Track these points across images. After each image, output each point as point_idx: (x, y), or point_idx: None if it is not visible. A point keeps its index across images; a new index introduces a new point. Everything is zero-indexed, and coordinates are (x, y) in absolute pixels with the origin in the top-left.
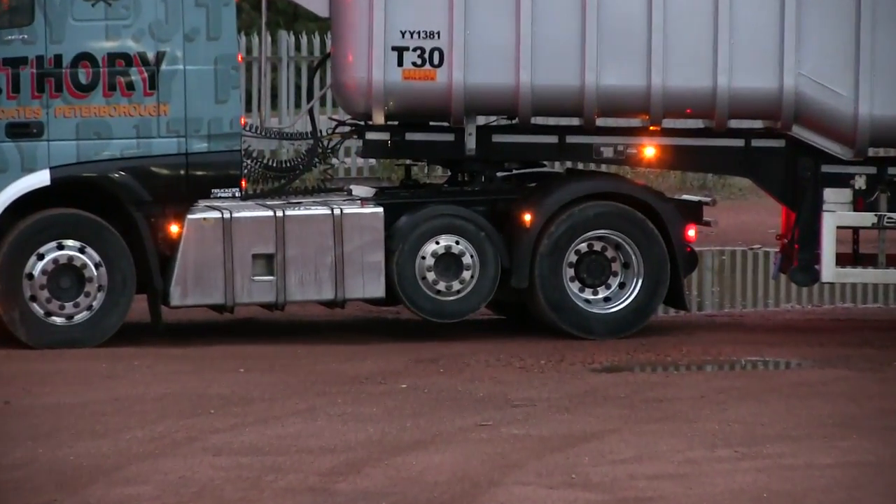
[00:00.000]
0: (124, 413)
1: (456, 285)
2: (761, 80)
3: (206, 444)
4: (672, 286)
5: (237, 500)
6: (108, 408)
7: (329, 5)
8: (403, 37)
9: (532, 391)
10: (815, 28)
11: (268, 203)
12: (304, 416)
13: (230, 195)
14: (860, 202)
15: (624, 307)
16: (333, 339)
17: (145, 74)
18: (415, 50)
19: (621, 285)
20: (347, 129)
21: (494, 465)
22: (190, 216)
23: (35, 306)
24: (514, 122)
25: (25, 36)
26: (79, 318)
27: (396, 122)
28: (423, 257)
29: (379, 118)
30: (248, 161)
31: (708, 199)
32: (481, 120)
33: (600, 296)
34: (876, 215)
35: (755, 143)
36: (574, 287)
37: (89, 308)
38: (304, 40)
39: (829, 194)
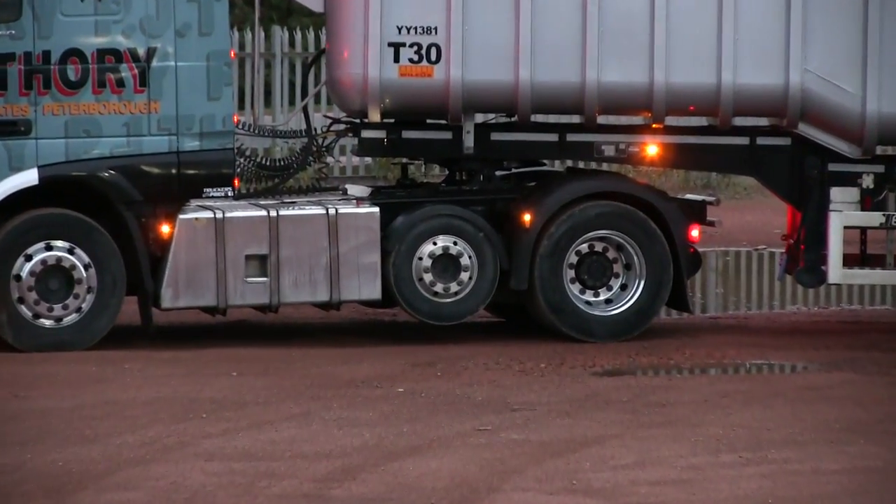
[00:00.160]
0: (114, 417)
1: (454, 287)
2: (767, 76)
3: (198, 449)
4: (675, 288)
5: None
6: (98, 412)
7: (324, 0)
8: (400, 32)
9: (532, 395)
10: (821, 23)
11: (261, 203)
12: (299, 421)
13: (223, 194)
14: (868, 201)
15: (626, 309)
16: (328, 342)
17: (136, 71)
18: (411, 46)
19: (623, 287)
20: (342, 126)
21: (493, 471)
22: (181, 216)
23: (23, 308)
24: (513, 119)
25: (13, 31)
26: (68, 320)
27: (393, 120)
28: (420, 258)
29: (375, 116)
30: (241, 160)
31: (712, 199)
32: (479, 118)
33: (601, 297)
34: (884, 215)
35: (760, 141)
36: (574, 289)
37: (78, 310)
38: (298, 36)
39: (836, 193)
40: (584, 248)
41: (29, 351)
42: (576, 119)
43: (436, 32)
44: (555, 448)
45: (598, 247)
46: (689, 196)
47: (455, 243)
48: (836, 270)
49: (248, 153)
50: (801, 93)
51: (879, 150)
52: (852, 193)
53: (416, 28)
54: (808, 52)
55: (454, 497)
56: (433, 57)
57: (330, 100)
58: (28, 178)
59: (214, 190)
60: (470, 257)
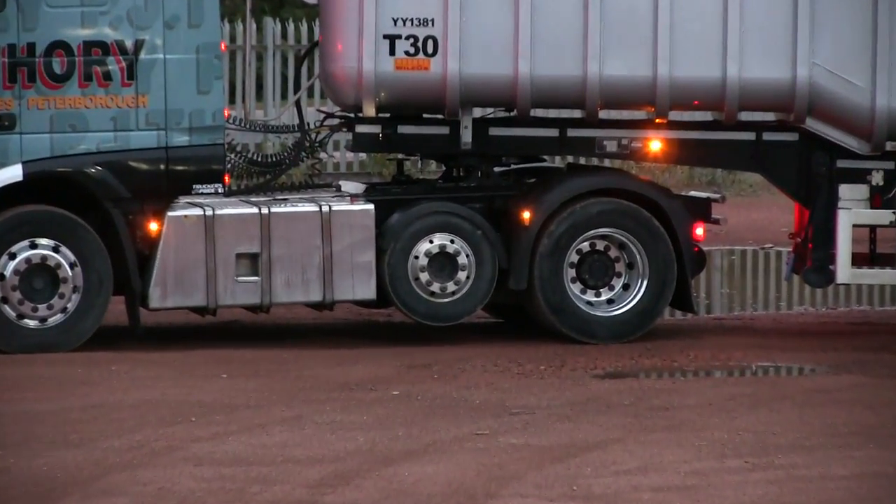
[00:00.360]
0: (101, 421)
1: (451, 286)
2: (773, 69)
3: (187, 453)
4: (679, 287)
5: None
6: (84, 415)
7: None
8: (396, 24)
9: (531, 398)
10: (830, 15)
11: (252, 200)
12: (291, 425)
13: (213, 191)
14: (877, 199)
15: (628, 310)
16: (321, 344)
17: (123, 64)
18: (407, 38)
19: (625, 286)
20: (336, 121)
21: (491, 477)
22: (170, 213)
23: (7, 309)
24: (512, 114)
25: None
26: (53, 320)
27: (388, 115)
28: (417, 257)
29: (370, 110)
30: (232, 155)
31: (717, 196)
32: (478, 112)
33: (603, 298)
34: (894, 213)
35: (767, 136)
36: (575, 288)
37: (64, 310)
38: (290, 28)
39: (845, 191)
40: (586, 246)
41: (13, 352)
42: (577, 114)
43: (432, 24)
44: (555, 453)
45: (600, 245)
46: (693, 193)
47: (452, 242)
48: (844, 270)
49: (238, 148)
50: (808, 87)
51: (889, 145)
52: (861, 190)
53: (412, 20)
54: (816, 44)
55: (451, 503)
56: (430, 50)
57: (323, 94)
58: (12, 173)
59: (204, 186)
60: (467, 256)
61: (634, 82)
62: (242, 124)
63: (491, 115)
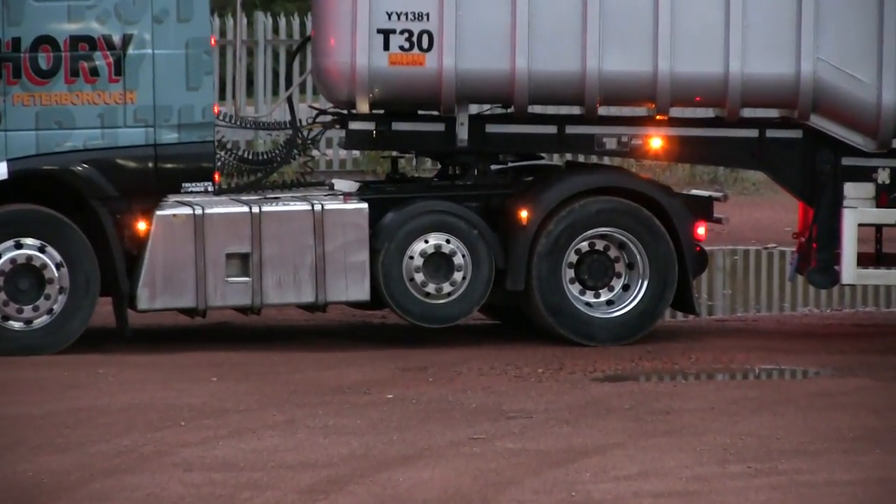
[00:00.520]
0: (88, 425)
1: (446, 287)
2: (777, 65)
3: (176, 458)
4: (680, 288)
5: None
6: (71, 420)
7: None
8: (390, 18)
9: (529, 402)
10: (835, 9)
11: (243, 198)
12: (283, 429)
13: (202, 189)
14: (883, 198)
15: (628, 311)
16: (314, 346)
17: (110, 59)
18: (402, 33)
19: (625, 287)
20: (329, 118)
21: (488, 482)
22: (159, 212)
23: None
24: (509, 110)
25: None
26: (38, 322)
27: (382, 111)
28: (411, 257)
29: (363, 106)
30: (222, 153)
31: (719, 195)
32: (474, 108)
33: (602, 299)
34: None
35: (770, 133)
36: (574, 289)
37: (50, 312)
38: (282, 22)
39: (850, 189)
40: (585, 246)
41: None
42: (576, 110)
43: (427, 18)
44: (553, 458)
45: (599, 245)
46: (694, 192)
47: (448, 241)
48: (849, 270)
49: (229, 146)
50: (813, 82)
51: None
52: (867, 189)
53: (406, 14)
54: (820, 39)
55: None
56: (425, 44)
57: (316, 90)
58: None
59: (194, 185)
60: (464, 256)
61: (634, 78)
62: (233, 121)
63: (488, 112)
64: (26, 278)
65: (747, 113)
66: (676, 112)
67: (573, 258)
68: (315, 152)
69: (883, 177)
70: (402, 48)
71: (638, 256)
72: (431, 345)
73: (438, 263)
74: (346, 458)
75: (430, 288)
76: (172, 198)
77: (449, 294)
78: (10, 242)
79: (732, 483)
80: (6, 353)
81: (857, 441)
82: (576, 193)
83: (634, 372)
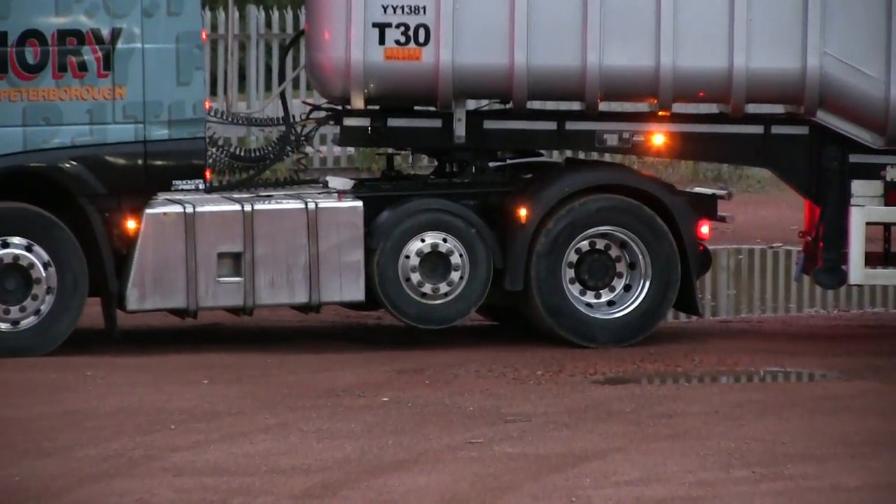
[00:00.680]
0: (75, 429)
1: (443, 287)
2: (782, 59)
3: (166, 463)
4: (683, 289)
5: None
6: (58, 423)
7: None
8: (385, 12)
9: (528, 405)
10: (842, 2)
11: (235, 196)
12: (275, 433)
13: (193, 187)
14: (892, 195)
15: (630, 312)
16: (307, 348)
17: (99, 54)
18: (398, 27)
19: (627, 288)
20: (323, 114)
21: (486, 487)
22: (148, 210)
23: None
24: (508, 106)
25: None
26: (25, 323)
27: (377, 107)
28: (407, 256)
29: (358, 102)
30: (213, 150)
31: (723, 193)
32: (471, 104)
33: (603, 299)
34: None
35: (775, 129)
36: (574, 290)
37: (37, 312)
38: (275, 16)
39: (858, 187)
40: (585, 245)
41: None
42: (576, 106)
43: (424, 12)
44: (552, 462)
45: (600, 244)
46: (698, 189)
47: (445, 240)
48: (857, 270)
49: (220, 143)
50: (819, 77)
51: None
52: (875, 187)
53: (402, 7)
54: (827, 33)
55: None
56: (421, 38)
57: (309, 85)
58: None
59: (184, 182)
60: (461, 256)
61: (636, 72)
62: (224, 117)
63: (486, 108)
64: (13, 278)
65: (752, 109)
66: (679, 108)
67: (573, 258)
68: (309, 149)
69: (892, 174)
70: (398, 42)
71: (640, 256)
72: (428, 346)
73: (435, 263)
74: (341, 462)
75: (427, 288)
76: (162, 196)
77: (446, 294)
78: None
79: (737, 489)
80: None
81: (865, 445)
82: (576, 191)
83: (636, 374)
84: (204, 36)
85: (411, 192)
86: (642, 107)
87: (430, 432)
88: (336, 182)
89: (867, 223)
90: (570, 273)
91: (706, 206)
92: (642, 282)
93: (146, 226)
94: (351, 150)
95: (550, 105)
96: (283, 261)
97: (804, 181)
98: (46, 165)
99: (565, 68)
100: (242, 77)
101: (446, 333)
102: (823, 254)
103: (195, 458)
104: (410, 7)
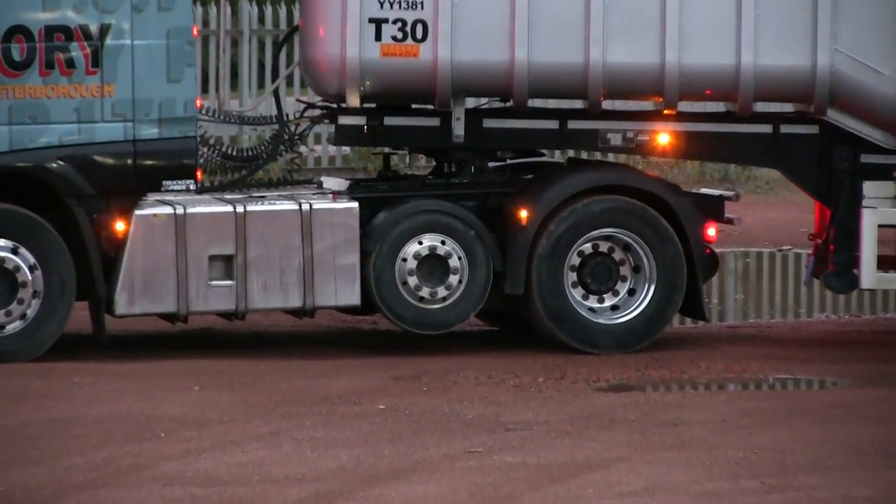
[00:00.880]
0: (62, 437)
1: (441, 291)
2: (792, 56)
3: (156, 472)
4: (689, 293)
5: None
6: (44, 431)
7: None
8: (382, 7)
9: (529, 413)
10: None
11: (227, 197)
12: (268, 441)
13: (184, 188)
14: None
15: (634, 317)
16: (301, 354)
17: (87, 50)
18: (395, 22)
19: (631, 292)
20: (318, 112)
21: (485, 498)
22: (138, 212)
23: None
24: (508, 104)
25: None
26: (11, 328)
27: (374, 105)
28: (405, 259)
29: (354, 100)
30: (205, 149)
31: (730, 194)
32: (471, 102)
33: (607, 304)
34: None
35: (784, 129)
36: (577, 293)
37: (23, 317)
38: (268, 11)
39: (870, 188)
40: (588, 248)
41: None
42: (578, 104)
43: (422, 7)
44: (554, 472)
45: (603, 247)
46: (704, 190)
47: (443, 243)
48: (869, 274)
49: (212, 142)
50: (830, 75)
51: None
52: (887, 188)
53: (400, 2)
54: (837, 29)
55: None
56: (419, 34)
57: (303, 82)
58: None
59: (175, 183)
60: (459, 258)
61: (641, 70)
62: (216, 115)
63: (485, 106)
64: None
65: (760, 107)
66: (685, 106)
67: (575, 260)
68: (303, 148)
69: None
70: (394, 38)
71: (644, 259)
72: (426, 352)
73: (433, 266)
74: (335, 472)
75: (425, 292)
76: (152, 196)
77: (444, 298)
78: None
79: (745, 500)
80: None
81: (877, 455)
82: (578, 192)
83: (640, 381)
84: (195, 32)
85: (408, 193)
86: (647, 105)
87: (428, 441)
88: (331, 182)
89: (879, 226)
90: (573, 276)
91: (713, 208)
92: (647, 286)
93: (135, 227)
94: (346, 149)
95: (552, 103)
96: (277, 264)
97: (814, 182)
98: (33, 165)
99: (568, 65)
100: (235, 74)
101: (444, 339)
102: (834, 257)
103: (185, 467)
104: (408, 2)
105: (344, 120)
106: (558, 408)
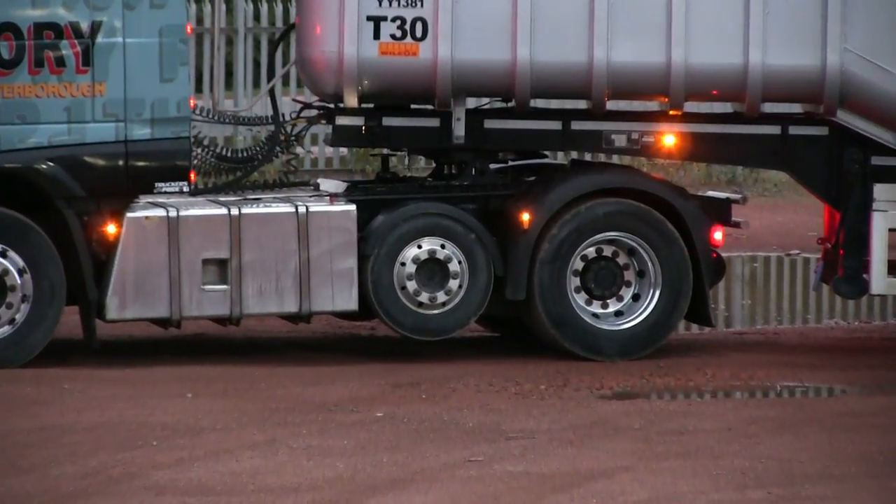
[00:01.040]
0: (52, 445)
1: (441, 296)
2: (801, 56)
3: (148, 481)
4: (695, 298)
5: None
6: (34, 438)
7: None
8: (380, 4)
9: (530, 421)
10: None
11: (221, 199)
12: (263, 450)
13: (177, 190)
14: None
15: (638, 323)
16: (297, 360)
17: (78, 48)
18: (394, 20)
19: (635, 297)
20: (314, 112)
21: None
22: (130, 214)
23: None
24: (510, 105)
25: None
26: None
27: (372, 105)
28: (403, 263)
29: (351, 100)
30: (199, 150)
31: (738, 196)
32: (471, 102)
33: (611, 309)
34: None
35: (793, 130)
36: (580, 299)
37: (11, 322)
38: (263, 9)
39: (880, 191)
40: (591, 252)
41: None
42: (582, 105)
43: (421, 5)
44: (557, 482)
45: (607, 251)
46: (711, 193)
47: (443, 246)
48: (879, 279)
49: (206, 142)
50: (840, 75)
51: None
52: None
53: (399, 0)
54: (848, 28)
55: None
56: (418, 33)
57: (300, 82)
58: None
59: (167, 184)
60: (460, 263)
61: (646, 69)
62: (210, 115)
63: (486, 106)
64: None
65: (768, 108)
66: (691, 107)
67: (579, 265)
68: (299, 150)
69: None
70: (393, 37)
71: (649, 263)
72: (425, 359)
73: (432, 270)
74: (332, 481)
75: (424, 297)
76: (144, 198)
77: (444, 304)
78: None
79: None
80: None
81: (887, 465)
82: (582, 195)
83: (645, 389)
84: (189, 30)
85: (407, 196)
86: (652, 106)
87: (427, 450)
88: (328, 184)
89: (890, 230)
90: (576, 281)
91: (720, 211)
92: (652, 291)
93: (127, 230)
94: (344, 150)
95: (555, 104)
96: (272, 268)
97: (823, 185)
98: (22, 166)
99: (571, 64)
100: (229, 73)
101: (444, 345)
102: (844, 262)
103: (178, 476)
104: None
105: (341, 120)
106: (560, 416)
